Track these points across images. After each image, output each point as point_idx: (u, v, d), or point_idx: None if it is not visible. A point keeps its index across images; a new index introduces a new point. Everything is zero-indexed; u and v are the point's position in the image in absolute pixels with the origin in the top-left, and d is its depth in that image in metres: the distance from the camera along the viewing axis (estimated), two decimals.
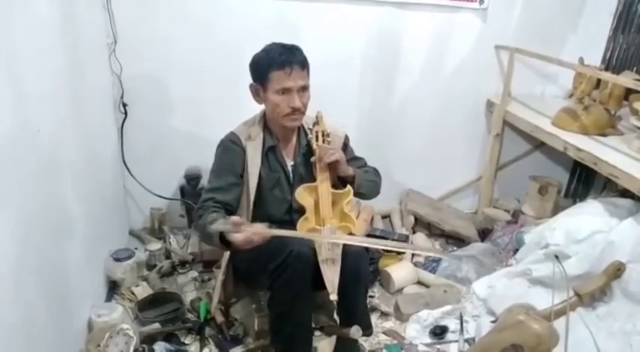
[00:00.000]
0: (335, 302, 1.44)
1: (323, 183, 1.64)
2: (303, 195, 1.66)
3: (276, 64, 1.58)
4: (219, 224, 1.42)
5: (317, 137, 1.70)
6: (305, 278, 1.50)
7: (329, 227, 1.57)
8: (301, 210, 1.67)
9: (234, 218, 1.42)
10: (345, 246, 1.51)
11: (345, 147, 1.84)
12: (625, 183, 1.82)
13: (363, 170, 1.83)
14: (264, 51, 1.65)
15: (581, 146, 2.04)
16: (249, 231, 1.39)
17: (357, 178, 1.73)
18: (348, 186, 1.69)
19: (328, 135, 1.72)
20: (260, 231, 1.41)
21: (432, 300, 2.05)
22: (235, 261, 1.76)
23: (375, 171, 1.89)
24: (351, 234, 1.61)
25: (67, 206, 1.63)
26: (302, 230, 1.59)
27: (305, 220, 1.63)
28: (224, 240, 1.45)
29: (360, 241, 1.57)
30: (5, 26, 1.22)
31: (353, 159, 1.84)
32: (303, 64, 1.62)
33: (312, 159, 1.69)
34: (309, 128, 1.77)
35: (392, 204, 2.81)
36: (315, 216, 1.63)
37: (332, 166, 1.67)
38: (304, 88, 1.63)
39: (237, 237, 1.39)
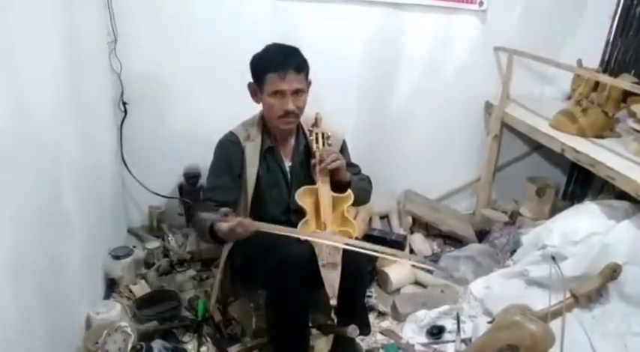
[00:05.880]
0: (335, 306, 1.43)
1: (324, 187, 1.62)
2: (303, 197, 1.63)
3: (271, 67, 1.58)
4: (210, 215, 1.45)
5: (317, 139, 1.70)
6: (302, 277, 1.50)
7: (330, 231, 1.55)
8: (299, 211, 1.65)
9: (224, 209, 1.43)
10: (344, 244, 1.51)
11: (342, 151, 1.81)
12: (622, 185, 1.83)
13: (358, 177, 1.82)
14: (263, 51, 1.66)
15: (579, 148, 2.05)
16: (234, 221, 1.39)
17: (352, 185, 1.71)
18: (349, 191, 1.67)
19: (328, 138, 1.71)
20: (245, 222, 1.41)
21: (429, 300, 2.06)
22: (233, 259, 1.77)
23: (369, 180, 1.89)
24: (351, 238, 1.57)
25: (66, 203, 1.63)
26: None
27: (305, 223, 1.60)
28: (213, 234, 1.49)
29: (347, 244, 1.48)
30: (4, 24, 1.22)
31: (348, 166, 1.82)
32: (300, 68, 1.61)
33: (313, 161, 1.68)
34: (309, 129, 1.76)
35: (390, 204, 2.81)
36: (315, 219, 1.61)
37: (332, 171, 1.66)
38: (298, 92, 1.62)
39: (221, 226, 1.42)
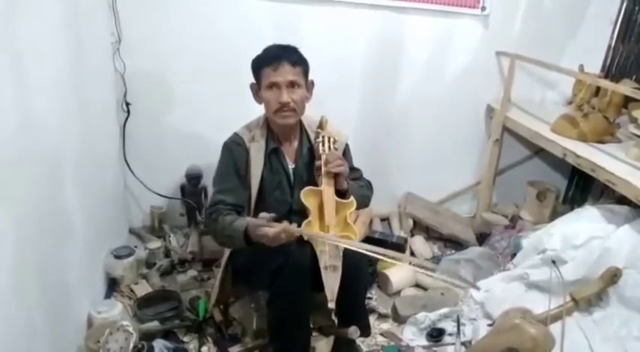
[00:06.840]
0: (333, 309, 1.44)
1: (328, 189, 1.61)
2: (307, 196, 1.62)
3: (267, 61, 1.63)
4: (243, 220, 1.49)
5: (323, 142, 1.69)
6: (304, 279, 1.51)
7: (332, 234, 1.54)
8: (302, 212, 1.65)
9: (263, 214, 1.47)
10: (345, 248, 1.51)
11: (344, 154, 1.81)
12: (622, 189, 1.84)
13: (358, 184, 1.81)
14: (262, 50, 1.69)
15: (580, 153, 2.06)
16: (279, 227, 1.42)
17: (349, 192, 1.69)
18: (352, 197, 1.67)
19: (335, 142, 1.70)
20: (290, 229, 1.44)
21: (430, 303, 2.07)
22: (234, 260, 1.77)
23: (369, 185, 1.88)
24: None
25: (68, 203, 1.64)
26: None
27: (308, 225, 1.58)
28: (247, 239, 1.50)
29: (374, 251, 1.48)
30: (9, 24, 1.23)
31: (351, 169, 1.81)
32: (294, 62, 1.63)
33: (317, 163, 1.67)
34: (314, 132, 1.76)
35: (391, 206, 2.83)
36: (318, 221, 1.61)
37: (334, 176, 1.65)
38: (293, 84, 1.63)
39: (268, 231, 1.42)
